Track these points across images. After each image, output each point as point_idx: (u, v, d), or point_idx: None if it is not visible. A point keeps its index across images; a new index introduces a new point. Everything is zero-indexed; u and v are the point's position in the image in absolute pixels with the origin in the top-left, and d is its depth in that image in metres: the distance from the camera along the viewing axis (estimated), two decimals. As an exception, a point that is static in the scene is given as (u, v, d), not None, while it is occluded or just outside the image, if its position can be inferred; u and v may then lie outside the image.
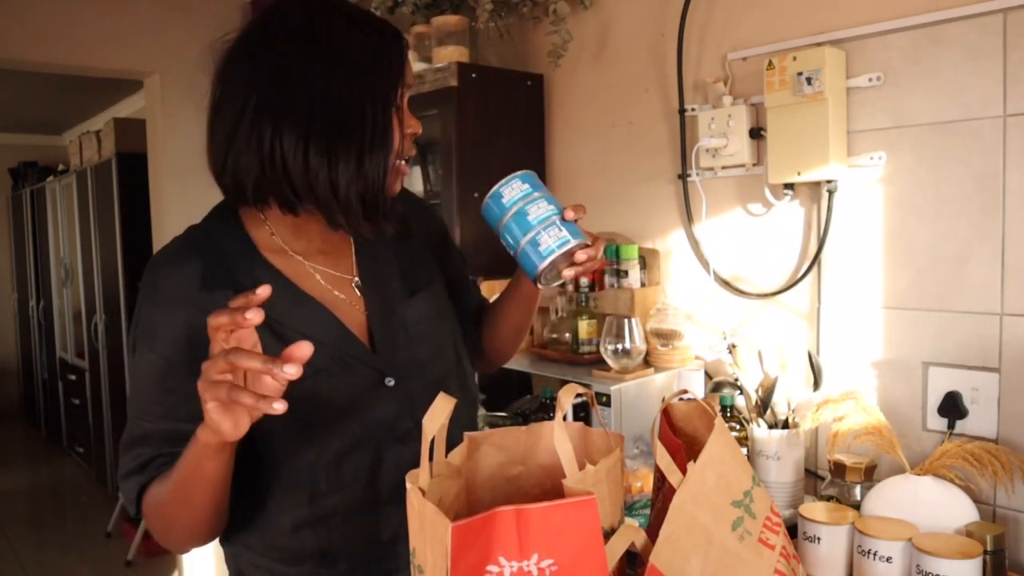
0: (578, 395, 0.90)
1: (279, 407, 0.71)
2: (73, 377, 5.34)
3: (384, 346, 1.01)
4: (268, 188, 0.92)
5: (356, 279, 1.04)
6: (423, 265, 1.13)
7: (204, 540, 0.94)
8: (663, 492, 0.91)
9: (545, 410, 1.72)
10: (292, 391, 0.77)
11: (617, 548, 0.78)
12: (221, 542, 1.03)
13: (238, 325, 0.72)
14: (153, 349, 0.92)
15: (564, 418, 0.80)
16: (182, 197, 2.86)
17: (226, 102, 0.92)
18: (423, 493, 0.77)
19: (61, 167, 5.58)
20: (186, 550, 0.98)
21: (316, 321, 0.97)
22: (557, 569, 0.71)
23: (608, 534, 0.78)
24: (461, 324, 1.16)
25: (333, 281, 1.02)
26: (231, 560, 1.04)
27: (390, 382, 1.00)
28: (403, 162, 0.98)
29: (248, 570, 1.02)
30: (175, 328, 0.91)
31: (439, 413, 0.79)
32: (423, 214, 1.19)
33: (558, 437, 0.76)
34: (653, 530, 0.86)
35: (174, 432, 0.90)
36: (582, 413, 1.69)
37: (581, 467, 0.76)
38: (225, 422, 0.75)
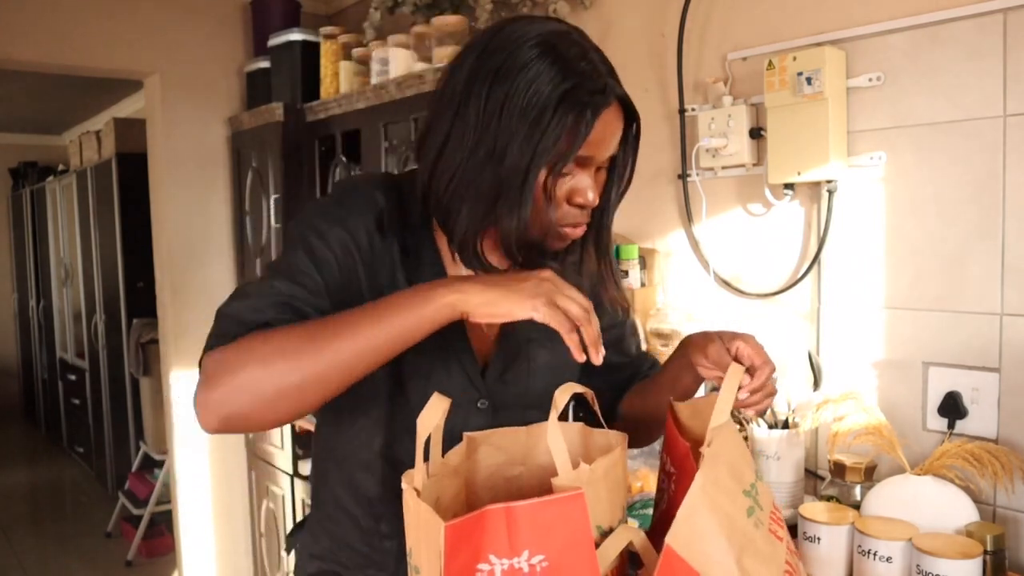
0: (578, 395, 0.90)
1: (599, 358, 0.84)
2: (73, 377, 5.34)
3: (494, 373, 1.02)
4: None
5: None
6: None
7: (298, 404, 0.84)
8: (668, 494, 0.90)
9: (544, 410, 1.72)
10: (407, 360, 0.88)
11: (612, 547, 0.77)
12: (312, 466, 1.13)
13: (591, 331, 0.83)
14: (323, 239, 0.93)
15: (565, 418, 0.79)
16: (182, 197, 2.85)
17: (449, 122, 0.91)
18: (418, 493, 0.76)
19: (61, 167, 5.58)
20: (257, 412, 0.84)
21: None
22: (548, 565, 0.71)
23: (608, 534, 0.78)
24: (591, 379, 1.06)
25: None
26: (318, 481, 1.11)
27: (482, 404, 1.01)
28: (566, 228, 0.96)
29: (336, 489, 1.07)
30: (336, 241, 0.93)
31: (434, 413, 0.79)
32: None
33: (551, 435, 0.76)
34: (658, 530, 0.86)
35: (301, 307, 0.89)
36: (581, 413, 1.69)
37: (576, 466, 0.76)
38: (518, 310, 0.82)
